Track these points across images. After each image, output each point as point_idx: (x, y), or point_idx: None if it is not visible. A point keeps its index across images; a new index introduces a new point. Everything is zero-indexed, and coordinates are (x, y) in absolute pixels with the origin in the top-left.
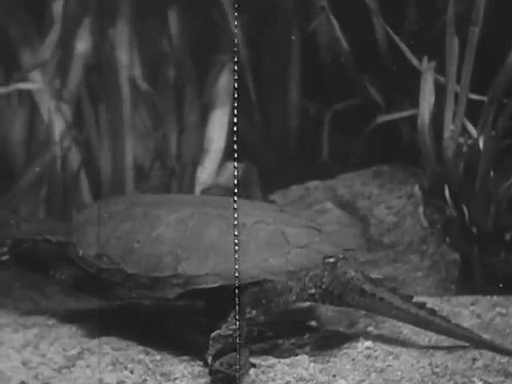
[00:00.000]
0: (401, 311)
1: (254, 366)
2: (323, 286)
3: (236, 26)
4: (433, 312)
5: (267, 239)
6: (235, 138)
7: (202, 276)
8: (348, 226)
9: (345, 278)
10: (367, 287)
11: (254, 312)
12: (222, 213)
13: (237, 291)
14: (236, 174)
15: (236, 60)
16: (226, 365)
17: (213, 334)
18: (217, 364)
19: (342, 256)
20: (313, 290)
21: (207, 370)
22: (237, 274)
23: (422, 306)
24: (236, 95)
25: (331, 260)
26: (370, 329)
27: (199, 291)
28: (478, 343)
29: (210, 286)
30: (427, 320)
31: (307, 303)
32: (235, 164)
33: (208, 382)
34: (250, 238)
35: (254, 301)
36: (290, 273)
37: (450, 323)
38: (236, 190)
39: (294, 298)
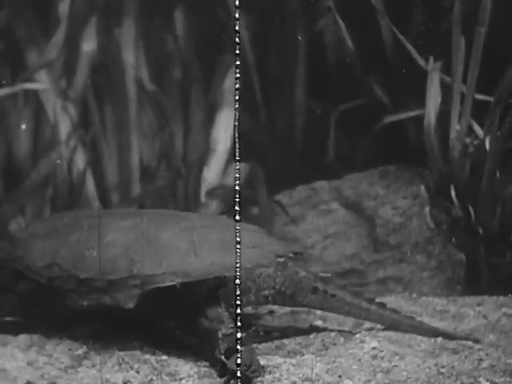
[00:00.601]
0: (353, 306)
1: (262, 367)
2: (276, 287)
3: (236, 25)
4: (383, 306)
5: (220, 241)
6: (236, 140)
7: (159, 275)
8: (354, 227)
9: (296, 278)
10: (319, 285)
11: (221, 311)
12: (170, 218)
13: (237, 290)
14: (238, 175)
15: (238, 60)
16: (243, 364)
17: (219, 335)
18: (231, 363)
19: (291, 255)
20: (266, 292)
21: (217, 369)
22: (238, 268)
23: (372, 300)
24: (237, 96)
25: (282, 260)
26: (375, 329)
27: (157, 296)
28: (432, 332)
29: (167, 284)
30: (378, 313)
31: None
32: (236, 165)
33: (216, 381)
34: (203, 240)
35: (218, 300)
36: (246, 269)
37: (401, 315)
38: (237, 193)
39: (252, 298)
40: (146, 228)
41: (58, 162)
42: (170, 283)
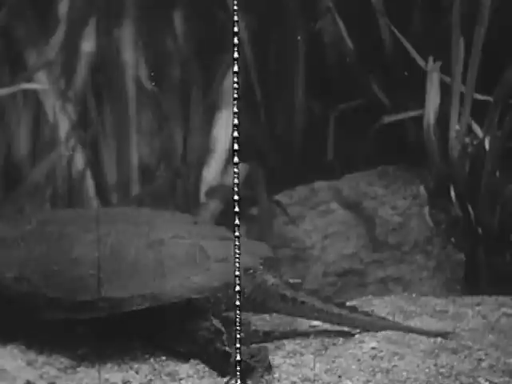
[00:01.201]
0: (323, 313)
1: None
2: (245, 295)
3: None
4: (354, 309)
5: (187, 255)
6: (235, 140)
7: (127, 299)
8: (353, 227)
9: (265, 286)
10: (288, 292)
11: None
12: (139, 229)
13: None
14: (237, 176)
15: (237, 61)
16: (248, 355)
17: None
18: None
19: (260, 266)
20: (237, 302)
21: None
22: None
23: (342, 304)
24: (236, 96)
25: (251, 271)
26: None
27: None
28: (403, 330)
29: (135, 308)
30: (350, 318)
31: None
32: (235, 167)
33: (216, 381)
34: (169, 255)
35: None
36: (214, 289)
37: (373, 317)
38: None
39: (224, 308)
40: (113, 242)
41: (68, 154)
42: (139, 307)
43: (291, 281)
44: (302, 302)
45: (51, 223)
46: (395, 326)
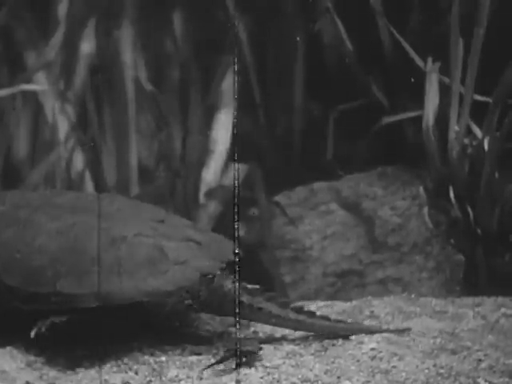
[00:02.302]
0: (280, 319)
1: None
2: (201, 299)
3: (235, 24)
4: (312, 314)
5: (147, 255)
6: (235, 141)
7: (78, 295)
8: (353, 227)
9: (222, 291)
10: (244, 299)
11: None
12: (105, 223)
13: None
14: (236, 175)
15: (236, 61)
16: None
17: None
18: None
19: (219, 272)
20: (190, 301)
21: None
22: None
23: (300, 309)
24: (236, 96)
25: (209, 276)
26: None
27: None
28: (366, 331)
29: (88, 306)
30: (307, 323)
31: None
32: (235, 166)
33: (216, 382)
34: (129, 254)
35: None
36: (167, 293)
37: (332, 321)
38: (236, 193)
39: (168, 309)
40: (75, 235)
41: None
42: (91, 305)
43: (249, 286)
44: (259, 308)
45: (23, 207)
46: (355, 328)
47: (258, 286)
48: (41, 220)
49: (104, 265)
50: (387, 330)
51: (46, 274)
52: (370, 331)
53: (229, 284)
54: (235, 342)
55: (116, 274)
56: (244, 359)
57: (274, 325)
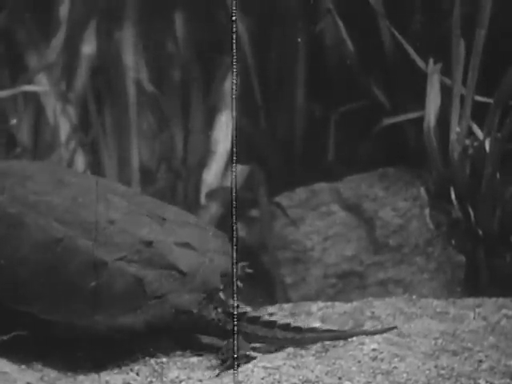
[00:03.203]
0: (267, 339)
1: (251, 358)
2: (181, 327)
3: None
4: (299, 330)
5: (125, 287)
6: (235, 141)
7: (54, 323)
8: (354, 228)
9: (203, 322)
10: (229, 326)
11: None
12: (86, 245)
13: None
14: (234, 177)
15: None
16: (226, 350)
17: None
18: (219, 355)
19: (195, 310)
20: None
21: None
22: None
23: (286, 327)
24: (234, 96)
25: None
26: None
27: None
28: (351, 336)
29: (61, 335)
30: (296, 339)
31: None
32: (233, 167)
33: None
34: (108, 284)
35: None
36: (137, 332)
37: (320, 331)
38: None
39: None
40: (60, 253)
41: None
42: (66, 335)
43: (235, 312)
44: (246, 333)
45: (18, 202)
46: (342, 335)
47: (244, 309)
48: (30, 226)
49: (80, 292)
50: (372, 332)
51: (24, 291)
52: (356, 335)
53: (211, 314)
54: (226, 345)
55: (91, 305)
56: (236, 362)
57: (262, 343)
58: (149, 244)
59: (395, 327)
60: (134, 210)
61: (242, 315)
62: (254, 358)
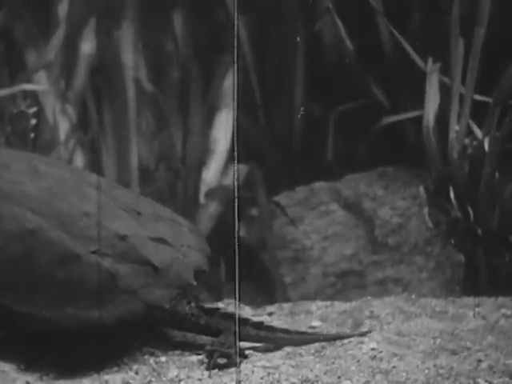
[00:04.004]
0: (241, 335)
1: (245, 356)
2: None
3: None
4: (272, 329)
5: (97, 280)
6: (235, 141)
7: (25, 314)
8: (353, 228)
9: (177, 317)
10: (202, 320)
11: None
12: (60, 237)
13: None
14: (236, 176)
15: (237, 61)
16: (218, 344)
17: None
18: (209, 346)
19: (167, 306)
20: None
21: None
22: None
23: (259, 325)
24: (236, 96)
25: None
26: (375, 330)
27: None
28: (325, 338)
29: (31, 328)
30: (268, 337)
31: None
32: (235, 167)
33: (215, 382)
34: (81, 277)
35: None
36: (107, 326)
37: (292, 333)
38: (236, 193)
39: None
40: (32, 245)
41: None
42: (34, 328)
43: (206, 307)
44: (218, 328)
45: (4, 197)
46: (315, 338)
47: (216, 306)
48: (4, 216)
49: (51, 285)
50: (347, 336)
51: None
52: (332, 338)
53: (186, 308)
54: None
55: (62, 297)
56: (224, 361)
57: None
58: (123, 238)
59: (369, 331)
60: (110, 203)
61: (214, 311)
62: (246, 356)
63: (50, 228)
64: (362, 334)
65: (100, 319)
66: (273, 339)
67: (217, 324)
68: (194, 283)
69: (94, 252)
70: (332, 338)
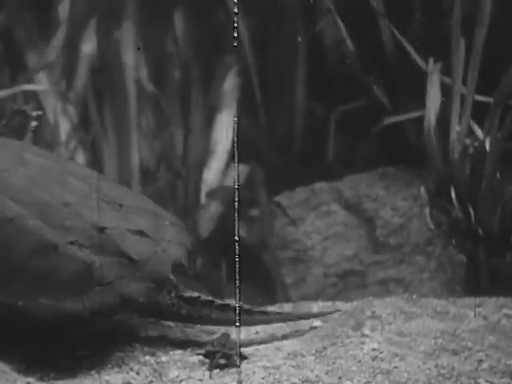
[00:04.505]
0: (221, 321)
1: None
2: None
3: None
4: (249, 312)
5: (73, 272)
6: (236, 141)
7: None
8: (354, 228)
9: (157, 308)
10: (183, 310)
11: None
12: (38, 226)
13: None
14: (237, 177)
15: (238, 61)
16: (219, 345)
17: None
18: (209, 346)
19: (142, 299)
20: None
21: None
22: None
23: (239, 309)
24: (238, 97)
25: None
26: (376, 330)
27: None
28: (292, 318)
29: (4, 317)
30: (246, 320)
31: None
32: (236, 166)
33: (216, 382)
34: (56, 268)
35: None
36: (82, 318)
37: (268, 314)
38: (237, 193)
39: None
40: (10, 232)
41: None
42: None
43: (186, 295)
44: (200, 316)
45: None
46: (277, 318)
47: (196, 294)
48: None
49: (27, 274)
50: (314, 314)
51: None
52: (303, 318)
53: (166, 298)
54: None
55: (37, 287)
56: (223, 361)
57: (215, 325)
58: (101, 230)
59: (340, 310)
60: (92, 195)
61: (195, 299)
62: (246, 357)
63: (28, 217)
64: (321, 315)
65: (74, 310)
66: (266, 321)
67: (198, 312)
68: (171, 277)
69: (71, 243)
70: (289, 319)
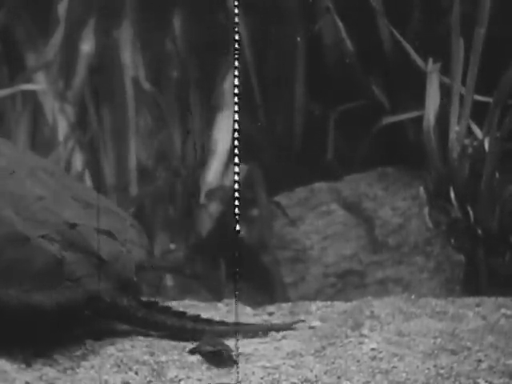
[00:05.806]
0: (175, 328)
1: (235, 362)
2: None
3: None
4: (209, 322)
5: (43, 265)
6: (236, 141)
7: None
8: (353, 228)
9: (118, 308)
10: (139, 313)
11: None
12: (10, 218)
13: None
14: (237, 177)
15: (238, 61)
16: (208, 345)
17: None
18: (200, 346)
19: (108, 298)
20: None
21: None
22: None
23: (196, 318)
24: (237, 97)
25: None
26: (375, 330)
27: None
28: (265, 330)
29: None
30: (204, 330)
31: None
32: (236, 167)
33: (215, 382)
34: (27, 260)
35: None
36: (48, 312)
37: (230, 326)
38: (237, 194)
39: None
40: None
41: None
42: None
43: (144, 299)
44: (155, 322)
45: None
46: (258, 328)
47: (154, 299)
48: None
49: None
50: (270, 327)
51: None
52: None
53: (124, 300)
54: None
55: (7, 278)
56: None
57: (170, 333)
58: (72, 226)
59: (303, 320)
60: (61, 191)
61: (151, 304)
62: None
63: (2, 207)
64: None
65: (40, 303)
66: (226, 332)
67: (153, 317)
68: (135, 279)
69: (42, 236)
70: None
